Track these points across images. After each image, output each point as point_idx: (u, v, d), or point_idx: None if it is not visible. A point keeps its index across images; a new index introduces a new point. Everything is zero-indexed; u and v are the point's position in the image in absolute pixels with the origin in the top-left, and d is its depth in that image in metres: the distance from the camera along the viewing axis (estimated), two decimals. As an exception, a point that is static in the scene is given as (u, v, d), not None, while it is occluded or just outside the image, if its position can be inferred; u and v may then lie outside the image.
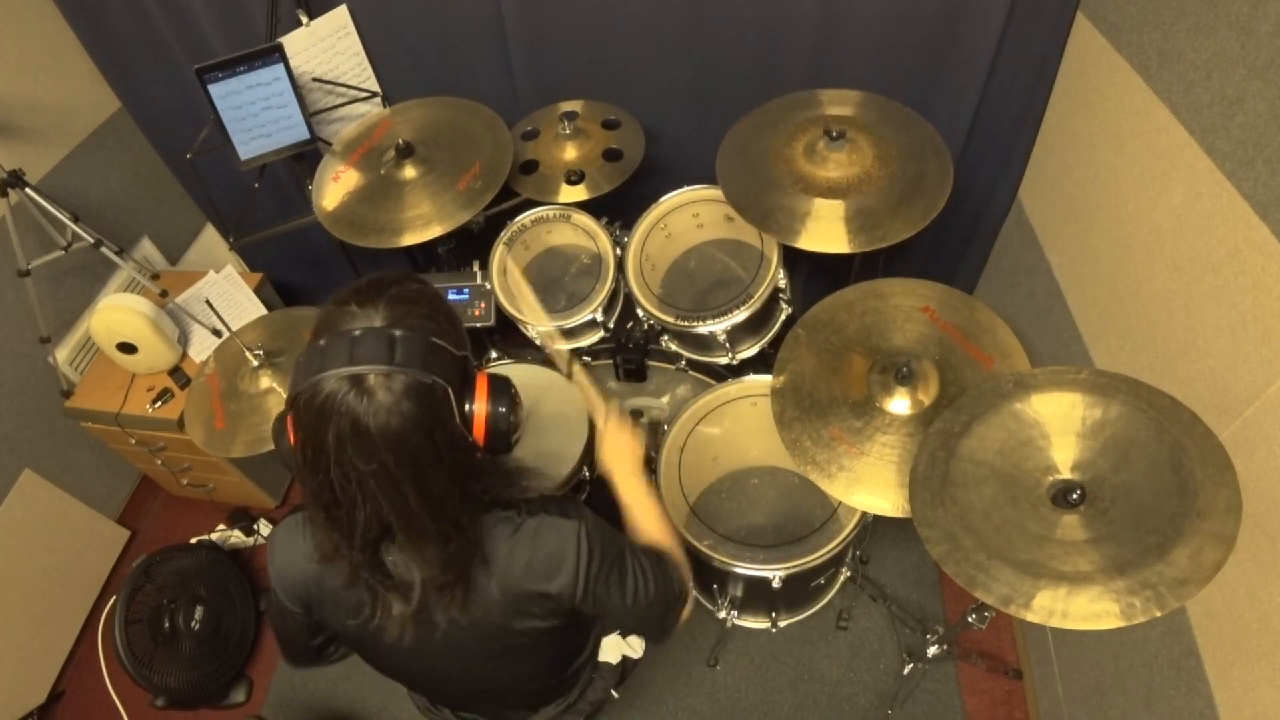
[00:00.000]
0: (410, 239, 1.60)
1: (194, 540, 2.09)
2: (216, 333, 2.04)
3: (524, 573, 0.90)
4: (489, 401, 0.83)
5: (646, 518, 1.12)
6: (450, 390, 0.78)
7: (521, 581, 0.91)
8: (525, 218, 1.80)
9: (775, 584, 1.48)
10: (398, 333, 0.76)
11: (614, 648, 1.30)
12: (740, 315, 1.59)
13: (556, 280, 1.85)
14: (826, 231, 1.43)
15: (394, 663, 1.07)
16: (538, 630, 0.97)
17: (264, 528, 2.21)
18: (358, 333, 0.76)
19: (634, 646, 1.34)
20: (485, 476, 0.87)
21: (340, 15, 1.82)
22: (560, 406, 1.63)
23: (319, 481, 0.78)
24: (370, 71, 1.95)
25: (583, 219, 1.78)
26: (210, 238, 2.55)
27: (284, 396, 1.61)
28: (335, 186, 1.71)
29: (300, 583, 0.94)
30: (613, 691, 1.31)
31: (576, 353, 1.80)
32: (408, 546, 0.84)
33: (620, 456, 1.17)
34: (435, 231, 1.60)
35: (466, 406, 0.81)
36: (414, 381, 0.75)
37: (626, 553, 0.98)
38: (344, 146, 1.78)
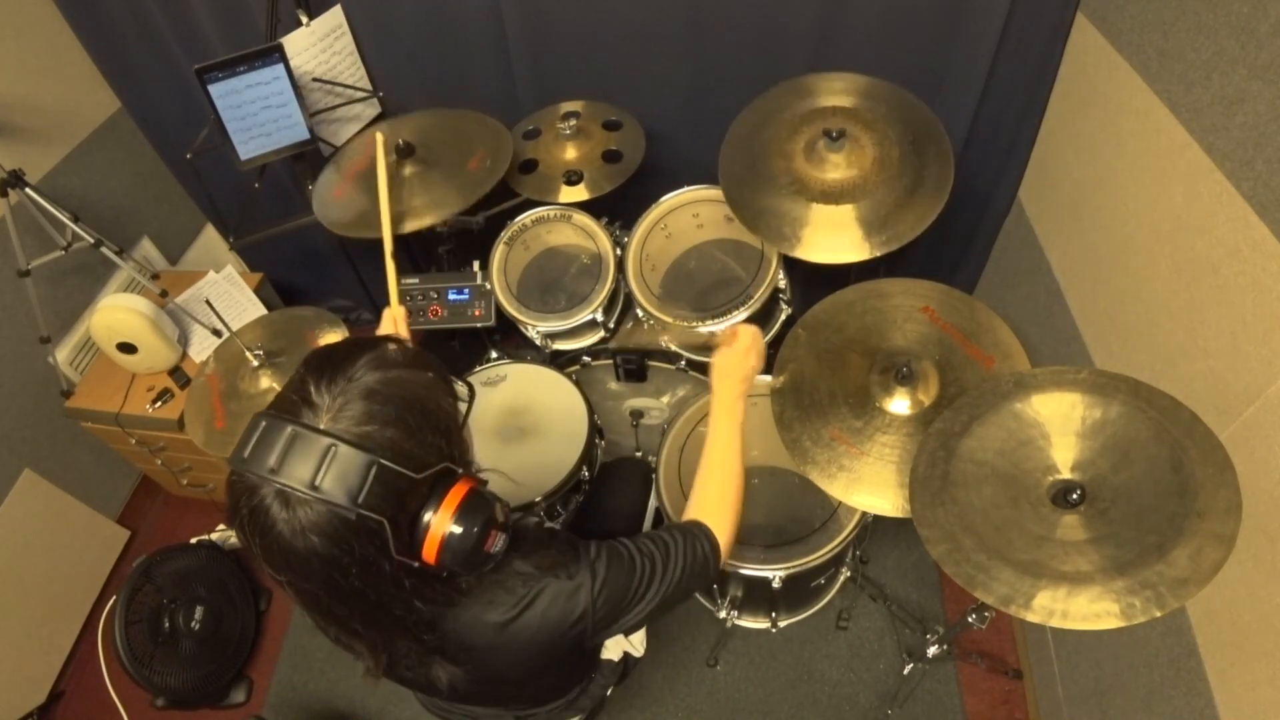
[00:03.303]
0: (430, 219, 1.61)
1: (194, 540, 2.08)
2: (216, 333, 2.04)
3: (533, 637, 0.87)
4: (454, 519, 0.72)
5: (721, 451, 1.07)
6: (387, 524, 0.67)
7: (532, 644, 0.88)
8: (525, 218, 1.80)
9: (775, 584, 1.48)
10: (339, 448, 0.66)
11: (616, 645, 1.31)
12: (740, 315, 1.59)
13: (556, 280, 1.85)
14: (838, 239, 1.42)
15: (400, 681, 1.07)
16: (550, 667, 0.99)
17: (264, 528, 2.21)
18: (291, 430, 0.67)
19: (635, 645, 1.35)
20: (435, 585, 0.77)
21: (337, 15, 1.82)
22: (561, 407, 1.63)
23: (260, 561, 0.72)
24: (363, 71, 1.95)
25: (583, 219, 1.78)
26: (210, 238, 2.55)
27: (284, 397, 1.62)
28: (340, 202, 1.71)
29: None
30: (609, 689, 1.31)
31: (577, 353, 1.80)
32: (343, 637, 0.78)
33: (735, 372, 1.13)
34: (456, 206, 1.60)
35: (427, 516, 0.71)
36: (332, 515, 0.66)
37: (641, 580, 0.92)
38: (340, 168, 1.79)
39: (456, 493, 0.73)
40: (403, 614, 0.76)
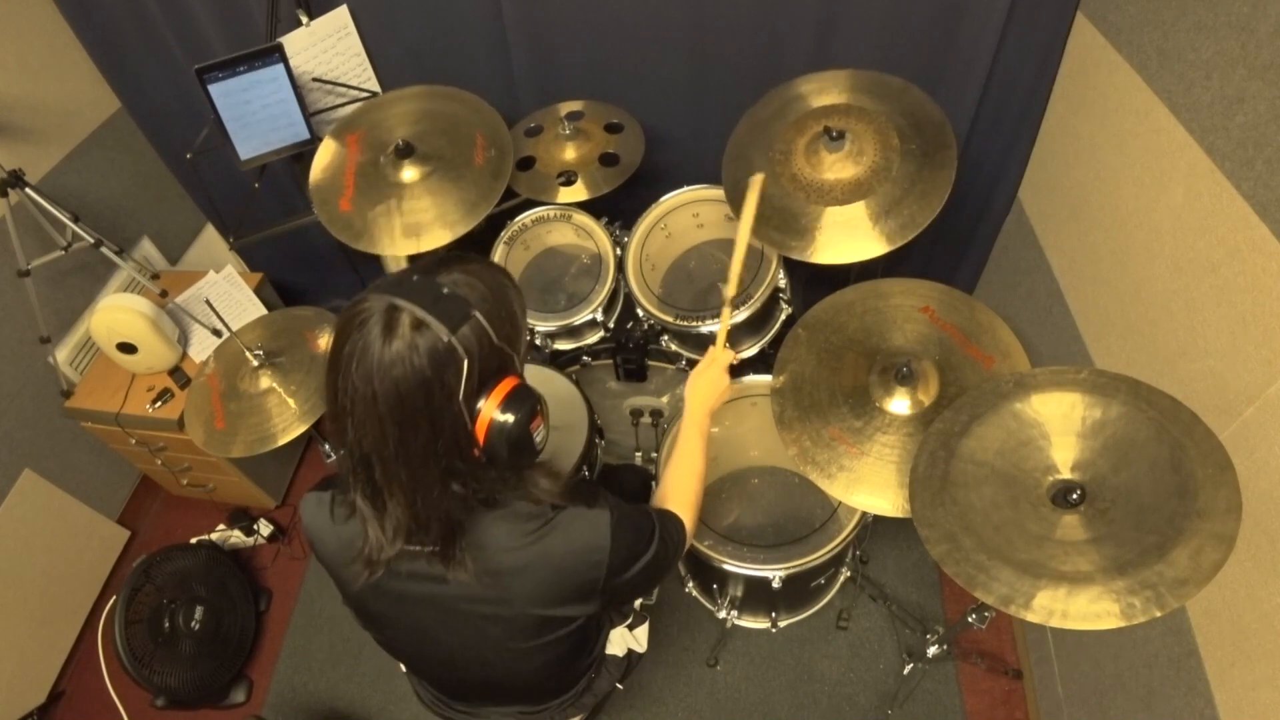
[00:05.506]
0: (461, 229, 1.57)
1: (194, 540, 2.09)
2: (216, 333, 2.04)
3: (557, 565, 0.92)
4: (500, 405, 0.82)
5: (689, 457, 1.20)
6: (468, 365, 0.79)
7: (554, 573, 0.93)
8: (525, 217, 1.80)
9: (775, 584, 1.48)
10: (445, 290, 0.80)
11: (620, 641, 1.31)
12: (740, 315, 1.59)
13: (556, 280, 1.85)
14: (852, 237, 1.39)
15: (412, 643, 1.09)
16: (566, 622, 1.00)
17: (264, 528, 2.21)
18: (416, 277, 0.81)
19: (639, 640, 1.35)
20: (480, 471, 0.87)
21: (341, 15, 1.82)
22: (561, 407, 1.63)
23: (330, 387, 0.82)
24: (371, 71, 1.95)
25: (583, 219, 1.78)
26: (210, 238, 2.55)
27: (284, 397, 1.62)
28: (350, 213, 1.63)
29: (327, 556, 1.00)
30: (617, 684, 1.32)
31: (577, 353, 1.80)
32: (382, 480, 0.84)
33: (709, 393, 1.26)
34: (483, 213, 1.58)
35: (480, 401, 0.82)
36: (436, 336, 0.77)
37: (651, 531, 1.02)
38: (328, 182, 1.68)
39: (506, 384, 0.84)
40: (448, 467, 0.83)
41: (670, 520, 1.10)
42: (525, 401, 0.84)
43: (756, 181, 1.35)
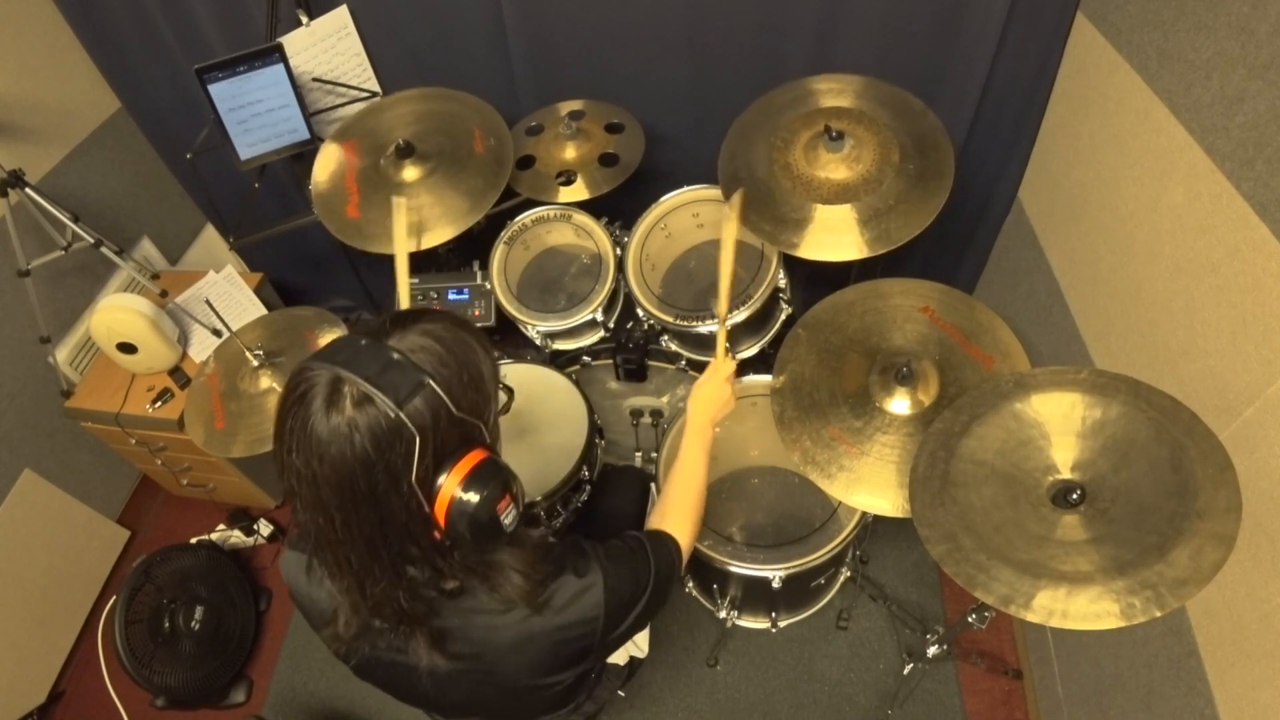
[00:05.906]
0: (473, 218, 1.58)
1: (194, 540, 2.09)
2: (216, 333, 2.04)
3: (548, 643, 0.89)
4: (463, 483, 0.74)
5: (690, 468, 1.18)
6: (420, 443, 0.71)
7: (547, 651, 0.90)
8: (525, 217, 1.80)
9: (775, 584, 1.48)
10: (396, 356, 0.72)
11: (621, 650, 1.30)
12: (740, 315, 1.59)
13: (556, 280, 1.85)
14: (837, 238, 1.42)
15: (403, 695, 1.07)
16: (561, 682, 0.98)
17: (264, 528, 2.21)
18: (364, 342, 0.73)
19: (639, 646, 1.35)
20: (440, 559, 0.80)
21: (341, 15, 1.82)
22: (561, 407, 1.63)
23: (278, 463, 0.76)
24: (371, 72, 1.95)
25: (583, 219, 1.78)
26: (210, 238, 2.55)
27: (285, 397, 1.62)
28: (359, 219, 1.63)
29: (305, 616, 0.96)
30: (619, 691, 1.31)
31: (577, 353, 1.80)
32: (332, 563, 0.78)
33: (710, 403, 1.25)
34: (491, 199, 1.58)
35: (440, 478, 0.74)
36: (380, 412, 0.70)
37: (646, 574, 0.98)
38: (332, 191, 1.68)
39: (471, 458, 0.75)
40: (400, 552, 0.77)
41: (664, 546, 1.05)
42: (491, 478, 0.75)
43: (735, 201, 1.34)
